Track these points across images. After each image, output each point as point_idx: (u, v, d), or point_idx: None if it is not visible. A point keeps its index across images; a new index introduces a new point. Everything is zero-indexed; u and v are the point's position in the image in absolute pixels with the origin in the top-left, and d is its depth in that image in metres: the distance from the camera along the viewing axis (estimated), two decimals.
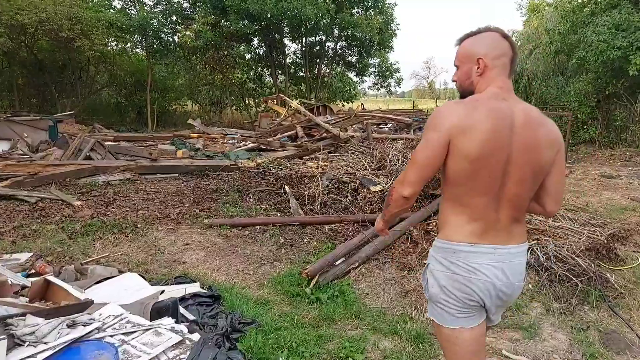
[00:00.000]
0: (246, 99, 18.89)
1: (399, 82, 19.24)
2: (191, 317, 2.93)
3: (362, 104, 19.48)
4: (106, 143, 10.78)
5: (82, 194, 6.27)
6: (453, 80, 1.70)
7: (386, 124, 12.26)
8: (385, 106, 25.66)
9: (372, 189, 5.53)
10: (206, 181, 7.47)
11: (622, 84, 11.69)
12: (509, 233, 1.61)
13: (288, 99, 11.85)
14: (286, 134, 10.40)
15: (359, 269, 4.05)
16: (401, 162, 6.43)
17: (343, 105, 18.59)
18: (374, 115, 11.96)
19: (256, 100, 18.68)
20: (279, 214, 5.59)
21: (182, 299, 3.19)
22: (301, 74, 19.12)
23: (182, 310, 3.01)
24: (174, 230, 4.92)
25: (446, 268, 1.62)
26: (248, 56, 19.11)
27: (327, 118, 13.09)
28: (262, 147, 9.72)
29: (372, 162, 6.88)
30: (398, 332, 3.01)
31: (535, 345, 2.92)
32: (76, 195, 6.16)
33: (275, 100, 13.17)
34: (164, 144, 11.93)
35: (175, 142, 11.56)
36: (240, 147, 10.03)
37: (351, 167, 6.87)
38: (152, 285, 3.36)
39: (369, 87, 20.47)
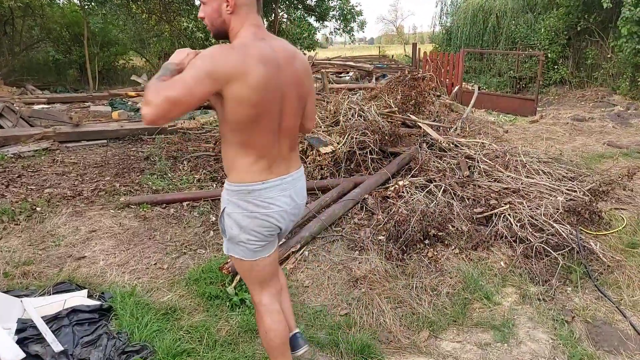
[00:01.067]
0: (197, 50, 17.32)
1: (361, 26, 17.98)
2: (59, 347, 2.18)
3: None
4: (36, 107, 9.58)
5: None
6: (201, 18, 1.61)
7: (347, 73, 11.33)
8: (351, 54, 24.41)
9: (322, 150, 4.75)
10: (139, 147, 6.52)
11: (594, 19, 11.00)
12: (289, 161, 1.73)
13: None
14: None
15: (300, 252, 3.35)
16: (357, 116, 5.64)
17: (304, 54, 17.40)
18: (334, 64, 10.98)
19: None
20: (214, 185, 4.78)
21: (56, 317, 2.43)
22: None
23: (49, 337, 2.25)
24: (80, 213, 4.06)
25: (244, 209, 1.66)
26: (197, 2, 17.43)
27: None
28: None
29: (326, 118, 6.07)
30: (338, 343, 2.34)
31: (510, 351, 2.31)
32: None
33: None
34: (103, 104, 10.74)
35: (114, 102, 10.36)
36: None
37: None
38: (20, 297, 2.58)
39: (330, 32, 19.17)
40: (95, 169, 5.42)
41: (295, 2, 17.83)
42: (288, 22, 17.92)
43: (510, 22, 13.71)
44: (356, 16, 17.70)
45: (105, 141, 6.76)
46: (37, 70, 16.51)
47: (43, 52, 17.57)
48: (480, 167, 4.70)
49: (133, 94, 9.86)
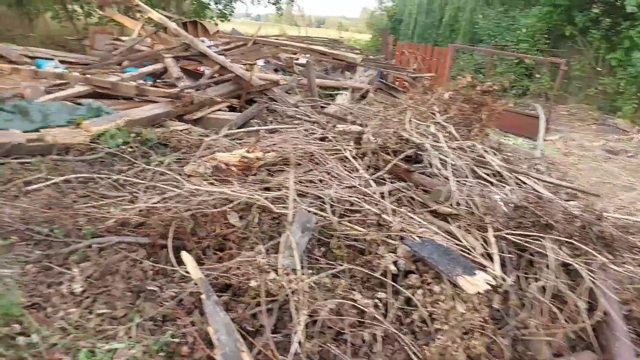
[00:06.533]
0: (68, 2, 12.40)
1: None
2: None
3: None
4: None
5: None
6: None
7: (297, 59, 8.33)
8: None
9: (469, 285, 1.84)
10: None
11: (584, 23, 9.47)
12: None
13: (146, 6, 6.97)
14: (146, 69, 5.79)
15: None
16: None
17: (216, 24, 13.64)
18: (297, 46, 7.83)
19: (84, 7, 12.28)
20: None
21: None
22: None
23: None
24: None
25: None
26: None
27: (203, 42, 8.57)
28: (100, 91, 5.05)
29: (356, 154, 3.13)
30: None
31: None
32: None
33: (118, 6, 8.09)
34: None
35: None
36: (60, 92, 5.13)
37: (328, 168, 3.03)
38: None
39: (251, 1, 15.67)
40: None
41: None
42: None
43: (473, 17, 11.84)
44: None
45: None
46: None
47: None
48: None
49: None
